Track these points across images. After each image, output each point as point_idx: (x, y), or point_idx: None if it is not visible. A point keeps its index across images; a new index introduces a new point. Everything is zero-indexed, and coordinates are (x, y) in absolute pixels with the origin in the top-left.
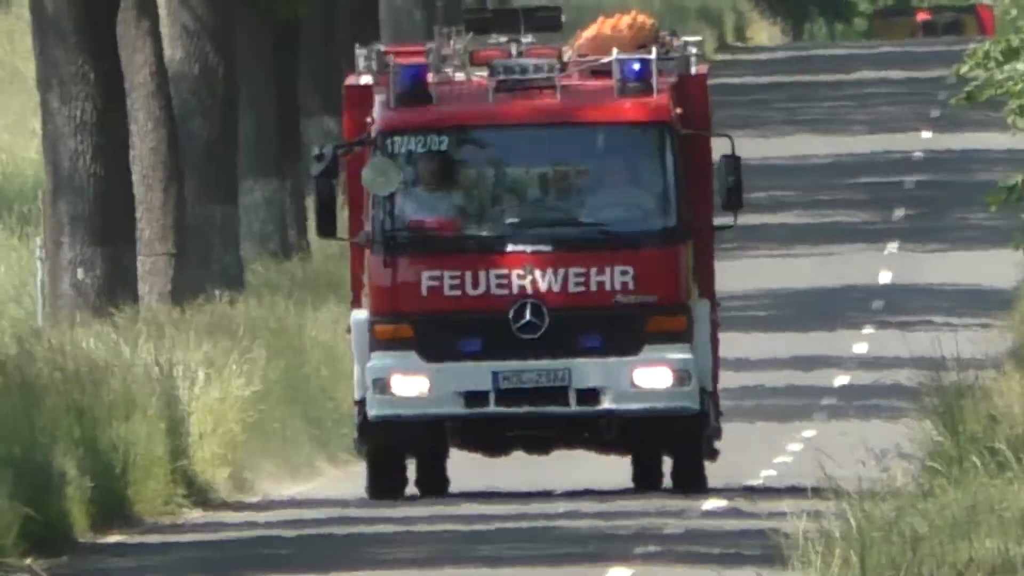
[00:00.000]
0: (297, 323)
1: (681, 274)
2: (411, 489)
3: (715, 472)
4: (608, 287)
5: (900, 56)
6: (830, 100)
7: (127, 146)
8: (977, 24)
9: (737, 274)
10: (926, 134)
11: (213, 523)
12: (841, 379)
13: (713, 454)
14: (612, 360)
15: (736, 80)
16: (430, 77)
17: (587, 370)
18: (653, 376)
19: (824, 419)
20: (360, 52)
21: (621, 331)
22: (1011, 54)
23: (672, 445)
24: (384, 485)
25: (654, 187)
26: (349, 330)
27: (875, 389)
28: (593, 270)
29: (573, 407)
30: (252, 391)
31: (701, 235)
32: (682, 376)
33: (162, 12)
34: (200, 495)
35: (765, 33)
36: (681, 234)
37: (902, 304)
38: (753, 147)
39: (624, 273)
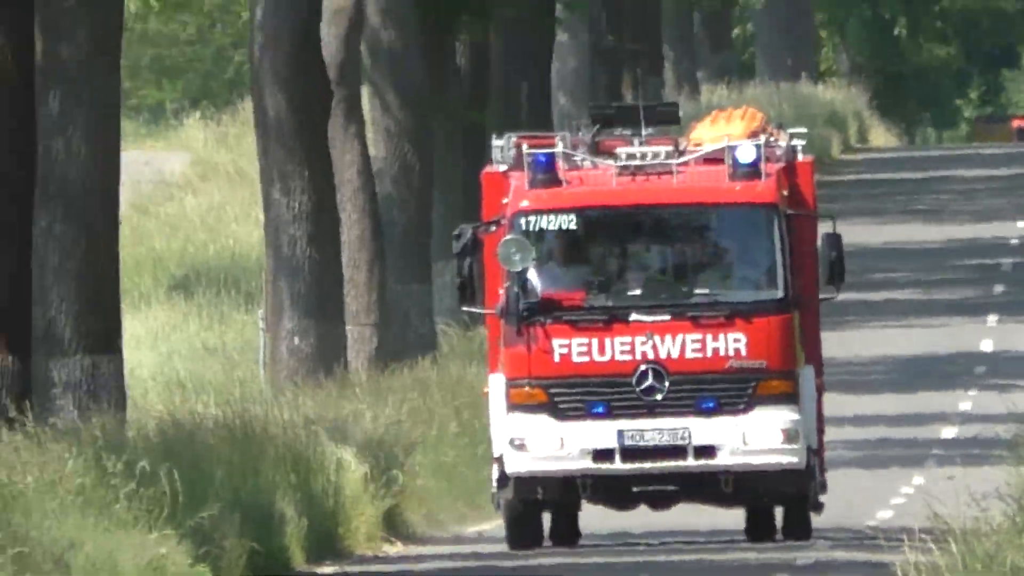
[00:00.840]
0: (479, 380)
1: (788, 341)
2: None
3: (837, 513)
4: (722, 353)
5: (999, 157)
6: (938, 193)
7: (338, 233)
8: None
9: (859, 343)
10: (1021, 223)
11: (411, 556)
12: (948, 431)
13: (818, 507)
14: (726, 420)
15: (858, 176)
16: (560, 163)
17: (704, 429)
18: (764, 435)
19: (933, 467)
20: (497, 143)
21: (734, 393)
22: None
23: (781, 498)
24: (521, 536)
25: (763, 262)
26: (487, 393)
27: (978, 441)
28: (708, 337)
29: (691, 462)
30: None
31: (807, 307)
32: (790, 435)
33: (367, 116)
34: (400, 531)
35: (883, 137)
36: (788, 305)
37: (1002, 368)
38: (873, 233)
39: (736, 340)
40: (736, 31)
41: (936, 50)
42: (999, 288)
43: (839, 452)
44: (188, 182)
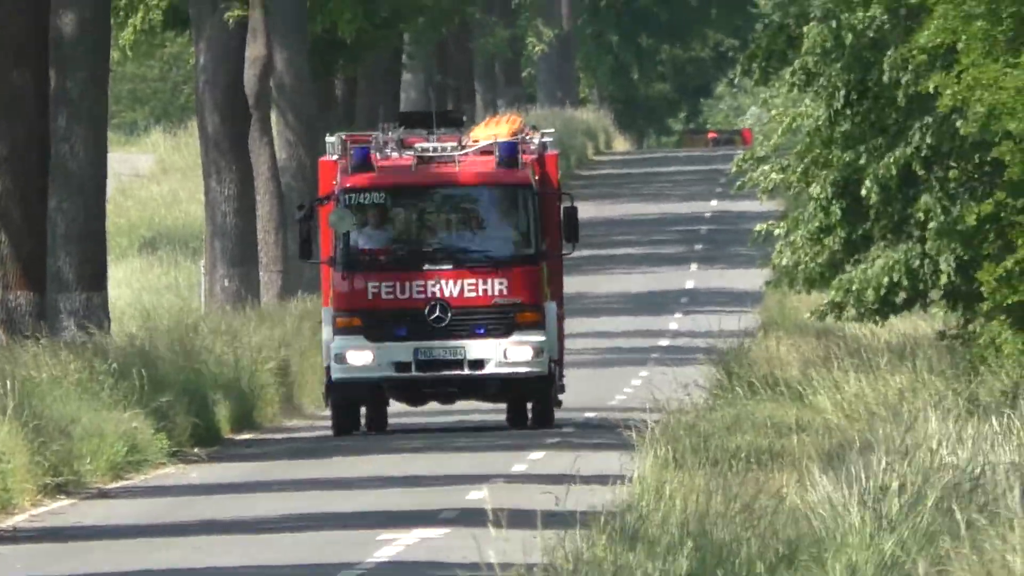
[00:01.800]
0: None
1: (537, 284)
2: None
3: (589, 397)
4: (490, 293)
5: (699, 158)
6: (657, 182)
7: (254, 209)
8: (743, 140)
9: (602, 284)
10: (714, 202)
11: (304, 426)
12: (663, 342)
13: (558, 403)
14: (492, 341)
15: (604, 171)
16: (374, 154)
17: (476, 347)
18: (519, 351)
19: (653, 366)
20: (330, 139)
21: (498, 322)
22: (758, 161)
23: (532, 396)
24: (342, 426)
25: (521, 227)
26: (320, 321)
27: (682, 349)
28: (480, 281)
29: (466, 372)
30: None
31: (552, 259)
32: (537, 351)
33: (275, 131)
34: (295, 412)
35: (622, 145)
36: (537, 258)
37: (699, 300)
38: (612, 209)
39: (500, 284)
40: (524, 72)
41: (657, 85)
42: (698, 246)
43: (587, 357)
44: (153, 175)
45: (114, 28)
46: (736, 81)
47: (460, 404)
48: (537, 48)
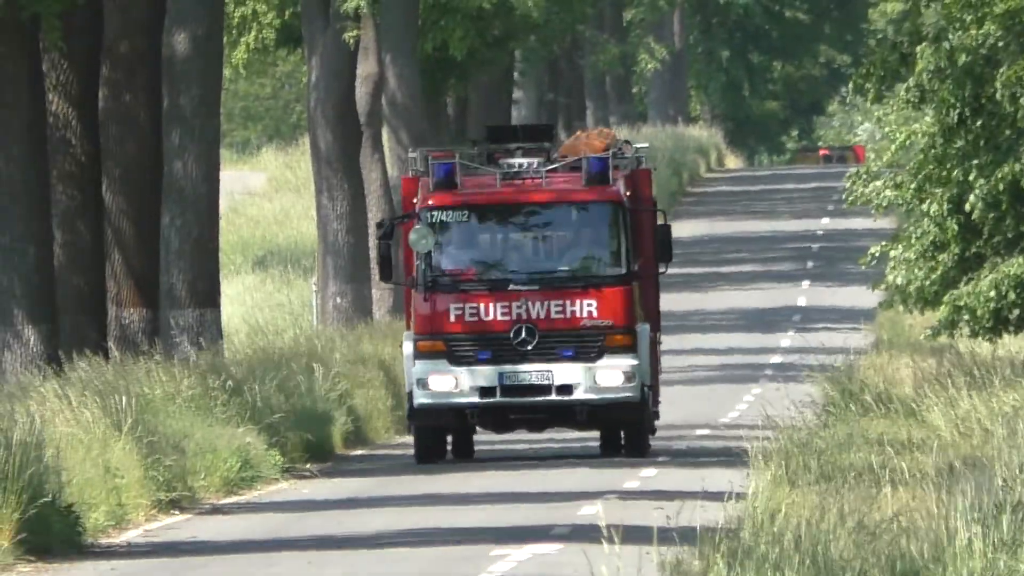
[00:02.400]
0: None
1: (629, 305)
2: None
3: (700, 412)
4: (579, 315)
5: (811, 175)
6: (769, 199)
7: (366, 226)
8: (855, 157)
9: (713, 301)
10: (825, 219)
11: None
12: (775, 359)
13: (653, 430)
14: (581, 365)
15: (716, 188)
16: (457, 170)
17: (563, 372)
18: (609, 376)
19: (765, 382)
20: (412, 155)
21: (587, 345)
22: (872, 177)
23: (623, 424)
24: (426, 453)
25: (611, 246)
26: (402, 344)
27: (795, 366)
28: (568, 303)
29: (554, 397)
30: None
31: (645, 279)
32: (629, 376)
33: (386, 148)
34: (406, 428)
35: (733, 162)
36: (629, 278)
37: (811, 317)
38: (724, 226)
39: (590, 305)
40: (635, 89)
41: (768, 104)
42: (810, 264)
43: (699, 374)
44: (265, 193)
45: (227, 47)
46: (848, 99)
47: (552, 432)
48: (649, 65)
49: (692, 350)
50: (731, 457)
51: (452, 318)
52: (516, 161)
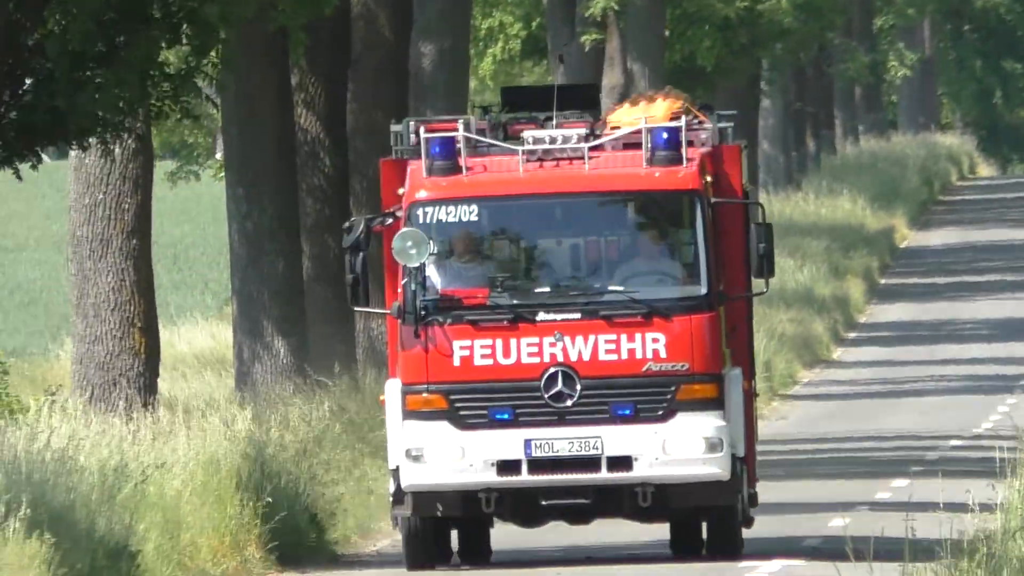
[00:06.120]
0: None
1: (713, 341)
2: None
3: (959, 417)
4: (639, 355)
5: None
6: (1022, 207)
7: None
8: None
9: (967, 311)
10: None
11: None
12: None
13: (748, 521)
14: (643, 428)
15: (968, 197)
16: (461, 149)
17: (618, 438)
18: (685, 444)
19: (1020, 393)
20: (395, 128)
21: (653, 399)
22: None
23: (705, 511)
24: (419, 556)
25: (684, 255)
26: (383, 400)
27: None
28: (624, 338)
29: (604, 474)
30: None
31: (734, 303)
32: (713, 443)
33: None
34: None
35: (986, 170)
36: (712, 301)
37: None
38: (977, 235)
39: (655, 341)
40: (885, 98)
41: (1022, 111)
42: None
43: (952, 384)
44: None
45: (473, 58)
46: None
47: (600, 523)
48: (899, 72)
49: (942, 361)
50: (983, 468)
51: (457, 361)
52: (546, 134)
